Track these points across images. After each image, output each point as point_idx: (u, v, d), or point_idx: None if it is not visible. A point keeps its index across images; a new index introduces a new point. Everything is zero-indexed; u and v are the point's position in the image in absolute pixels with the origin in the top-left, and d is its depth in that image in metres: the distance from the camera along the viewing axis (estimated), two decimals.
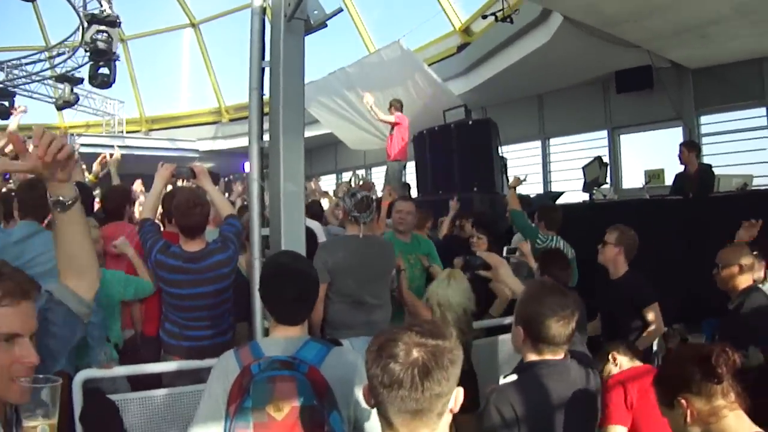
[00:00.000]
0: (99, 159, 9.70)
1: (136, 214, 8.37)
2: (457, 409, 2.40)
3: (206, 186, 5.96)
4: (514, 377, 3.49)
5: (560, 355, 3.49)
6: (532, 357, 3.50)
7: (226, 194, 10.24)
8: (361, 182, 15.44)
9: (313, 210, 9.69)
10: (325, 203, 12.54)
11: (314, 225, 9.18)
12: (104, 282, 5.62)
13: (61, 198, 2.35)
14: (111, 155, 9.01)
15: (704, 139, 14.31)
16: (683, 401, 2.86)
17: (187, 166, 5.91)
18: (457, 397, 2.38)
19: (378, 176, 23.44)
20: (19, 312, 2.20)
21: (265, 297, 3.57)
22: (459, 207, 9.90)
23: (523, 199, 9.95)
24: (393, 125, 14.01)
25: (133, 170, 14.28)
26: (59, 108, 25.82)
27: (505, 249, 7.55)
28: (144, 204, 5.43)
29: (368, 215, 6.01)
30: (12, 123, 11.76)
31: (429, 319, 5.56)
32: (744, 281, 5.39)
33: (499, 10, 13.84)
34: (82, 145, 22.68)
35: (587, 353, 4.00)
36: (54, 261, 5.07)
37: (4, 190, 8.32)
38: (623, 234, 6.33)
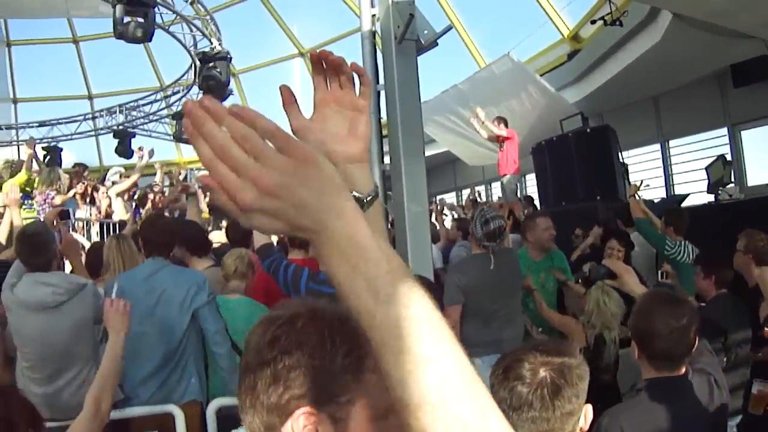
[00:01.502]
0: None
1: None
2: (587, 428, 2.37)
3: None
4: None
5: (679, 371, 3.30)
6: (650, 374, 3.33)
7: None
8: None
9: None
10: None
11: (433, 249, 9.18)
12: (236, 311, 5.73)
13: (356, 194, 1.36)
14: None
15: None
16: None
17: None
18: (586, 414, 2.34)
19: (497, 191, 23.40)
20: None
21: None
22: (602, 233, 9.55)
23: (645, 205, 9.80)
24: (503, 140, 13.93)
25: None
26: (177, 141, 26.40)
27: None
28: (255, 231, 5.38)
29: (498, 244, 5.99)
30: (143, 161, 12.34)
31: (580, 332, 5.53)
32: None
33: (608, 14, 13.65)
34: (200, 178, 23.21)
35: (714, 364, 3.75)
36: (184, 292, 5.19)
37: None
38: (752, 238, 6.13)
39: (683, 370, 3.30)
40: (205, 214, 10.20)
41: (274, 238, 6.58)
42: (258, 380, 1.38)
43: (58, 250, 5.85)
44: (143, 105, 27.25)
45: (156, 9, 16.58)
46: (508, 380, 2.27)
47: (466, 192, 23.33)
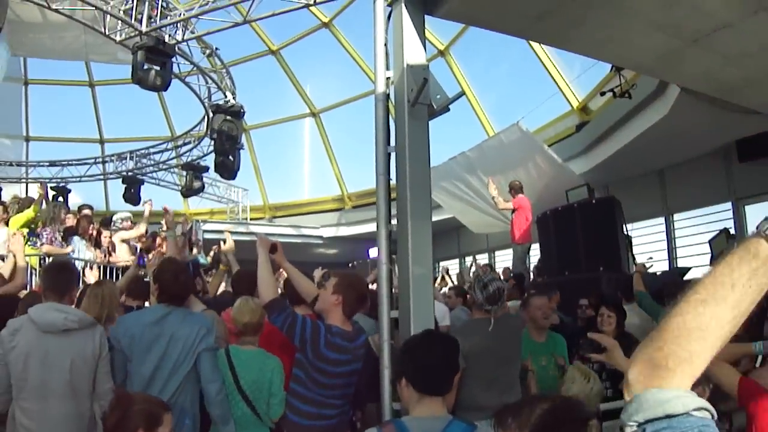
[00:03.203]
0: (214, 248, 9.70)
1: None
2: None
3: (284, 264, 6.12)
4: None
5: None
6: None
7: None
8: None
9: None
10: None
11: (439, 307, 9.21)
12: (249, 363, 5.78)
13: None
14: (224, 242, 9.10)
15: None
16: None
17: (259, 236, 5.96)
18: None
19: (501, 259, 23.42)
20: None
21: (411, 363, 3.63)
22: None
23: (648, 278, 9.87)
24: (514, 209, 14.04)
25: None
26: (185, 195, 26.54)
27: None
28: (262, 285, 5.39)
29: (499, 307, 6.05)
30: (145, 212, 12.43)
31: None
32: None
33: (617, 86, 13.78)
34: (206, 231, 23.27)
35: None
36: (194, 334, 5.25)
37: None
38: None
39: None
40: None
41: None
42: None
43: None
44: (153, 153, 27.54)
45: (174, 59, 16.78)
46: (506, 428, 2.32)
47: (469, 259, 23.35)
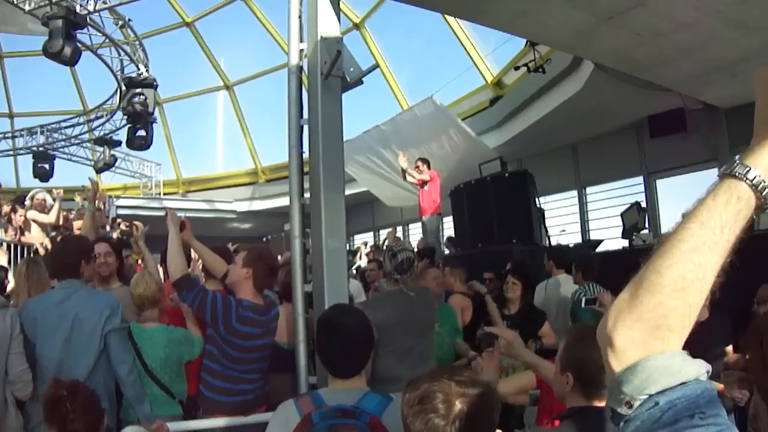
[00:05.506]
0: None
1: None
2: None
3: (192, 242, 6.02)
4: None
5: (604, 402, 3.27)
6: (579, 403, 3.37)
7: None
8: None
9: None
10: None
11: (354, 284, 9.21)
12: (154, 339, 5.70)
13: None
14: (136, 228, 8.82)
15: None
16: None
17: (169, 212, 5.81)
18: None
19: (414, 232, 23.51)
20: None
21: (318, 351, 3.65)
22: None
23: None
24: (425, 182, 14.05)
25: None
26: (98, 171, 25.88)
27: (583, 300, 7.52)
28: (172, 262, 5.28)
29: (409, 276, 6.07)
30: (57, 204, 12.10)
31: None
32: None
33: (531, 61, 13.86)
34: (120, 207, 22.94)
35: None
36: (97, 316, 5.12)
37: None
38: None
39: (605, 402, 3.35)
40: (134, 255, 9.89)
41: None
42: None
43: None
44: (65, 127, 26.89)
45: (86, 30, 16.45)
46: (424, 412, 2.29)
47: (383, 232, 23.41)
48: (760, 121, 1.53)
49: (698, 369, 1.38)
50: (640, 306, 1.43)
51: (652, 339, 1.39)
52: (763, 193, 1.42)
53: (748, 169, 1.42)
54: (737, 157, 1.47)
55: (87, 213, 8.81)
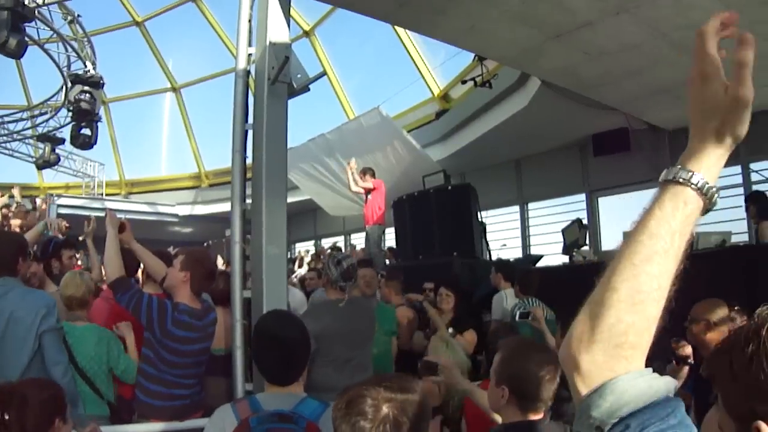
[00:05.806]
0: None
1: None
2: None
3: (132, 243, 5.95)
4: None
5: (541, 415, 3.36)
6: (514, 418, 3.35)
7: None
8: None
9: None
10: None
11: (298, 296, 9.16)
12: (84, 337, 5.63)
13: None
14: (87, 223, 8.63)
15: None
16: None
17: (109, 213, 5.76)
18: None
19: (357, 242, 23.50)
20: None
21: (255, 359, 3.65)
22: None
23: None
24: (369, 191, 14.03)
25: None
26: (39, 168, 25.61)
27: (517, 314, 7.59)
28: (109, 263, 5.24)
29: (353, 283, 6.08)
30: None
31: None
32: (713, 338, 5.28)
33: (478, 76, 13.97)
34: (61, 206, 22.66)
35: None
36: (33, 315, 5.04)
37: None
38: None
39: (543, 414, 3.37)
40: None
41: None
42: None
43: None
44: (8, 122, 26.28)
45: (33, 24, 16.23)
46: (351, 415, 2.28)
47: (325, 241, 23.40)
48: (694, 112, 1.55)
49: (667, 386, 1.36)
50: (599, 325, 1.40)
51: (616, 359, 1.37)
52: (708, 195, 1.43)
53: (691, 173, 1.41)
54: (678, 162, 1.47)
55: (36, 229, 8.64)
